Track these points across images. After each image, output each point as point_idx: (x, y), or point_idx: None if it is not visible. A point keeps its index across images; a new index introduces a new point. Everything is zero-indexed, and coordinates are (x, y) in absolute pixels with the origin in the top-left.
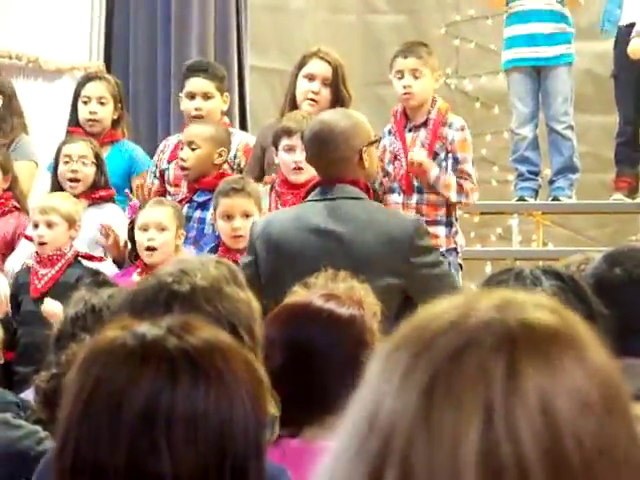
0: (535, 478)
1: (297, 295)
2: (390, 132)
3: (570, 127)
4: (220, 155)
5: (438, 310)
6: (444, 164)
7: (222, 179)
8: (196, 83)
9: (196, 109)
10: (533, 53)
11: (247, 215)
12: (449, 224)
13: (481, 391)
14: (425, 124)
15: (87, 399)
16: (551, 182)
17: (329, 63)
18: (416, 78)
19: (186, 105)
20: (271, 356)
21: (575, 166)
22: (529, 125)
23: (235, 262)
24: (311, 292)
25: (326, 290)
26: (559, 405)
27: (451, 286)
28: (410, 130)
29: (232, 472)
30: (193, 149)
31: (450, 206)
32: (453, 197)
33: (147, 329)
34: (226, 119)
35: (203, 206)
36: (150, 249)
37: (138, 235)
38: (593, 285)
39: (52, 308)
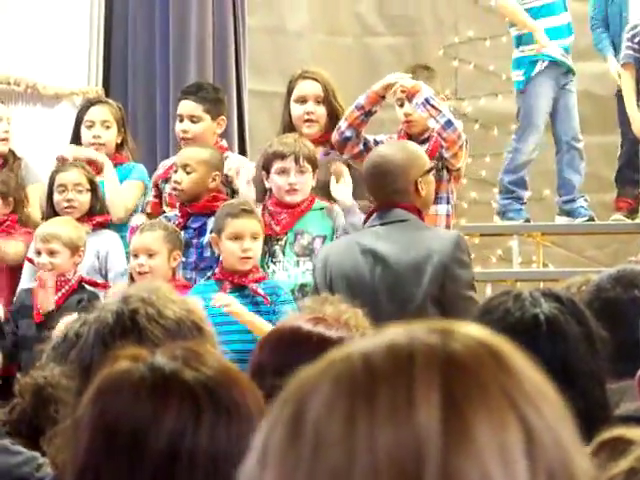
0: None
1: (287, 319)
2: None
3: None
4: (214, 179)
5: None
6: (444, 176)
7: (215, 202)
8: (184, 106)
9: (183, 131)
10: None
11: (255, 237)
12: None
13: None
14: (427, 140)
15: (108, 433)
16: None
17: (317, 81)
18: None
19: (176, 128)
20: (261, 381)
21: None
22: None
23: (236, 285)
24: (298, 316)
25: (314, 314)
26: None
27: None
28: None
29: None
30: (188, 172)
31: (447, 218)
32: (432, 123)
33: (162, 361)
34: (224, 142)
35: (199, 231)
36: (142, 274)
37: (131, 261)
38: (601, 308)
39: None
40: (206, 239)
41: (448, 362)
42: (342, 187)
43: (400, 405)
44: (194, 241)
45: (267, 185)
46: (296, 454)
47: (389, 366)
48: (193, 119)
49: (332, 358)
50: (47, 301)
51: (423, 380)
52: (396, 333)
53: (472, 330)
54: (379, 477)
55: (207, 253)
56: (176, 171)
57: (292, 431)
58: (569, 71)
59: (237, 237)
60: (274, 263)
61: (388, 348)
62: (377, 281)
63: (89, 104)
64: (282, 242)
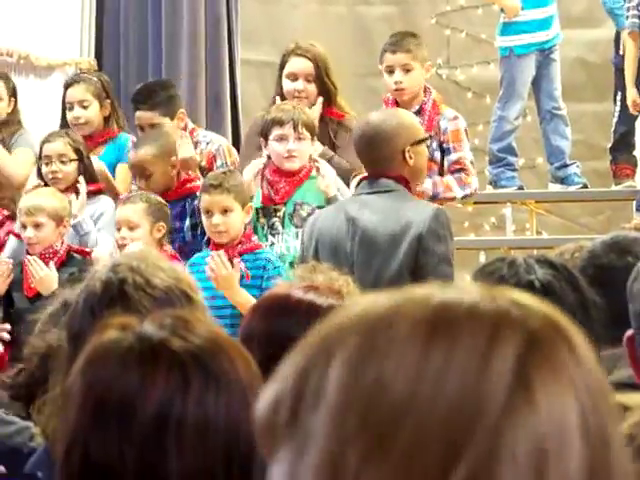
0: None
1: (277, 287)
2: None
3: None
4: (174, 166)
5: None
6: (436, 154)
7: (186, 184)
8: (140, 117)
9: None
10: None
11: (226, 210)
12: None
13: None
14: (419, 112)
15: (97, 404)
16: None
17: (309, 58)
18: (407, 72)
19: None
20: (250, 348)
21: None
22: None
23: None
24: (290, 284)
25: (305, 282)
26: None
27: None
28: None
29: (239, 473)
30: (148, 176)
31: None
32: (458, 194)
33: (151, 330)
34: (190, 124)
35: (180, 217)
36: (124, 247)
37: (115, 234)
38: (595, 274)
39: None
40: (186, 223)
41: (529, 336)
42: (323, 180)
43: (476, 356)
44: (177, 225)
45: (265, 152)
46: (361, 385)
47: (471, 321)
48: (154, 126)
49: (406, 297)
50: (47, 284)
51: (503, 343)
52: (476, 294)
53: (544, 309)
54: (432, 420)
55: (188, 237)
56: (135, 177)
57: (359, 362)
58: (553, 39)
59: (207, 212)
60: (273, 235)
61: (470, 306)
62: (355, 249)
63: (67, 86)
64: (281, 214)
